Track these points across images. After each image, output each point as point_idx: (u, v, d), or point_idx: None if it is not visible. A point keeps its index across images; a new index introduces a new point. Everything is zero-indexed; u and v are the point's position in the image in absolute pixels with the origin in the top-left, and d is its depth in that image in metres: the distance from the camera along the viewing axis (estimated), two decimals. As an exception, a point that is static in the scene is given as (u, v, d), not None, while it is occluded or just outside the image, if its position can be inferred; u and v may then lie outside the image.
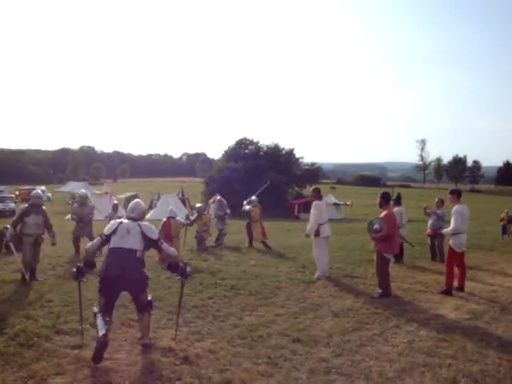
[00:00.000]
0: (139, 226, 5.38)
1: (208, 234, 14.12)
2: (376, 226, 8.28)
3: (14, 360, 4.93)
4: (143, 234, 5.33)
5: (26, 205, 9.30)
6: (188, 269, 5.70)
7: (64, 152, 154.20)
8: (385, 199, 8.48)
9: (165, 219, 12.00)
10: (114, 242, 5.30)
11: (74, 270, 5.41)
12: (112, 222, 5.55)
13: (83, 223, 12.71)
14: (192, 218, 13.74)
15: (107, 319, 5.00)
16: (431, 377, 4.69)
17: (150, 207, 40.21)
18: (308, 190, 56.34)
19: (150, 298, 5.56)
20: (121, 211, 22.52)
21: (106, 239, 5.36)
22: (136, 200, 5.97)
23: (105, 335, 4.78)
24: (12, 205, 30.70)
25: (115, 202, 19.77)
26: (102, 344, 4.75)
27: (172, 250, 5.63)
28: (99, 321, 4.97)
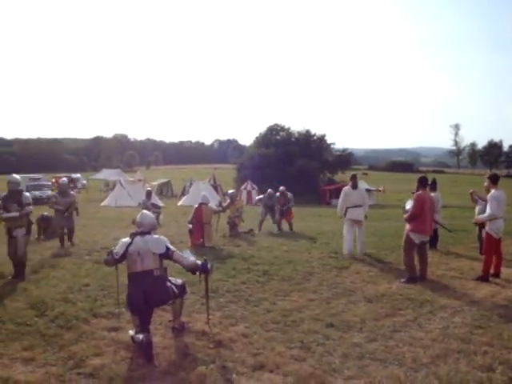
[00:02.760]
0: (146, 242, 5.18)
1: (240, 219, 14.20)
2: (408, 207, 8.53)
3: (55, 341, 5.12)
4: (152, 251, 5.17)
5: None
6: (209, 264, 5.59)
7: (98, 140, 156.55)
8: (421, 183, 8.47)
9: (196, 205, 12.11)
10: (129, 268, 5.18)
11: (105, 257, 5.44)
12: (120, 243, 5.28)
13: (68, 213, 11.77)
14: (224, 204, 13.81)
15: (146, 338, 4.78)
16: (466, 363, 4.63)
17: (183, 194, 40.66)
18: (340, 176, 56.25)
19: (181, 282, 5.60)
20: (154, 198, 22.96)
21: (119, 260, 5.24)
22: (142, 212, 5.67)
23: (146, 335, 4.78)
24: (49, 192, 31.44)
25: (149, 188, 20.06)
26: (147, 344, 4.72)
27: (186, 259, 5.43)
28: (137, 338, 4.89)
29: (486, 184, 10.18)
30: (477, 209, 10.38)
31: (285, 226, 15.38)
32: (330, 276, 8.40)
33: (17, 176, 8.71)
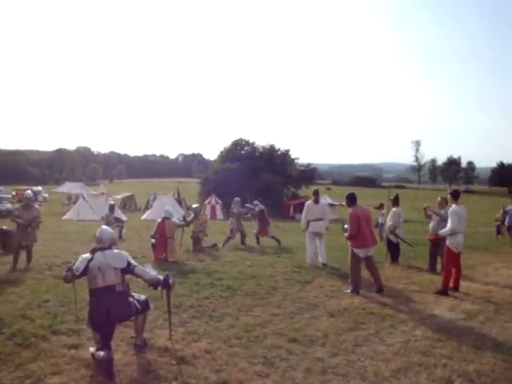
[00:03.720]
0: (106, 257, 5.09)
1: (204, 234, 14.14)
2: (346, 226, 8.92)
3: (11, 360, 4.94)
4: (113, 266, 5.08)
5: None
6: (170, 280, 5.52)
7: (60, 152, 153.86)
8: (351, 200, 8.92)
9: (160, 220, 12.01)
10: (90, 283, 5.07)
11: (65, 273, 5.31)
12: (80, 259, 5.17)
13: (31, 228, 10.79)
14: (188, 218, 13.74)
15: (107, 355, 4.68)
16: (426, 376, 4.72)
17: (147, 208, 40.25)
18: (303, 191, 56.79)
19: (144, 297, 5.52)
20: (117, 212, 22.66)
21: (79, 276, 5.13)
22: (101, 227, 5.54)
23: (107, 352, 4.68)
24: (9, 205, 30.64)
25: (112, 202, 19.79)
26: (108, 361, 4.62)
27: (148, 273, 5.35)
28: (97, 355, 4.76)
29: (439, 199, 10.58)
30: (431, 224, 10.63)
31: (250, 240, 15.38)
32: (294, 290, 8.43)
33: None
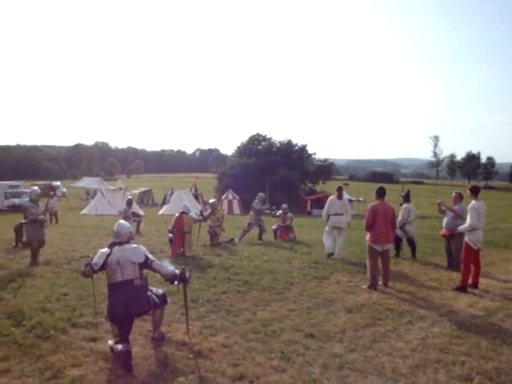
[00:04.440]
0: (125, 252, 5.17)
1: (221, 229, 14.16)
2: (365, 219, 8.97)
3: (32, 352, 5.02)
4: (132, 261, 5.14)
5: None
6: (187, 273, 5.58)
7: (78, 148, 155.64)
8: (378, 194, 8.88)
9: (177, 214, 12.06)
10: (109, 278, 5.13)
11: (83, 268, 5.38)
12: (98, 253, 5.22)
13: (41, 224, 10.88)
14: (206, 213, 13.77)
15: (126, 348, 4.74)
16: (445, 373, 4.68)
17: (164, 202, 40.53)
18: (321, 186, 56.58)
19: (162, 291, 5.56)
20: (135, 206, 22.82)
21: (98, 271, 5.20)
22: (119, 222, 5.58)
23: (125, 345, 4.74)
24: (26, 199, 31.01)
25: (129, 197, 19.96)
26: (126, 354, 4.68)
27: (165, 268, 5.42)
28: (116, 348, 4.83)
29: (453, 194, 10.43)
30: (445, 220, 10.46)
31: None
32: (311, 286, 8.42)
33: None
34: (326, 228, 11.94)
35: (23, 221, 12.53)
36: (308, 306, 7.10)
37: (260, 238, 15.22)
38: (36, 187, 12.37)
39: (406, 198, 12.11)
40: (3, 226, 18.39)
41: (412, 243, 11.91)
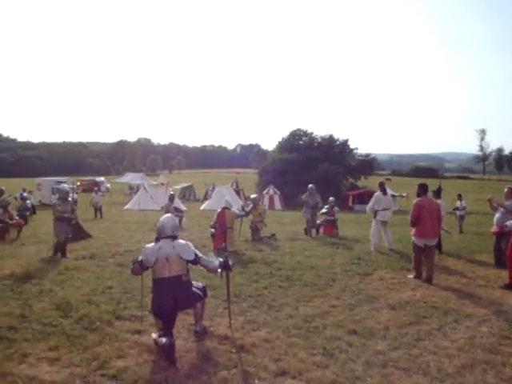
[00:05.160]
0: (174, 248, 5.19)
1: (263, 224, 14.18)
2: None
3: (79, 342, 5.17)
4: (181, 257, 5.19)
5: None
6: (230, 262, 5.63)
7: (122, 144, 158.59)
8: (422, 189, 8.90)
9: (219, 210, 12.13)
10: (156, 273, 5.16)
11: (131, 265, 5.46)
12: (146, 250, 5.24)
13: (67, 222, 10.87)
14: (247, 208, 13.83)
15: (170, 342, 4.80)
16: (494, 375, 4.54)
17: (205, 198, 40.90)
18: (363, 181, 55.91)
19: (202, 284, 5.62)
20: (177, 202, 23.12)
21: (148, 268, 5.26)
22: (164, 216, 5.61)
23: (170, 339, 4.80)
24: (74, 195, 31.85)
25: (171, 192, 20.22)
26: (170, 347, 4.75)
27: (211, 263, 5.48)
28: (160, 341, 4.91)
29: (506, 190, 9.99)
30: (496, 216, 10.05)
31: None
32: (353, 282, 8.33)
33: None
34: (374, 224, 12.18)
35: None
36: (350, 302, 7.03)
37: (307, 233, 15.12)
38: (65, 184, 12.48)
39: (437, 193, 11.79)
40: (50, 221, 18.93)
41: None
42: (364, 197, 44.87)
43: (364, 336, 5.54)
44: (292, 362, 4.74)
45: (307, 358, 4.84)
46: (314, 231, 15.35)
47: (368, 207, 12.53)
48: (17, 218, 15.37)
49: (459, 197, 20.50)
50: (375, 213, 12.15)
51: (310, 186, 15.63)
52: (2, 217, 14.28)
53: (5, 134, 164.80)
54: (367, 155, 61.62)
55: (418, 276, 8.59)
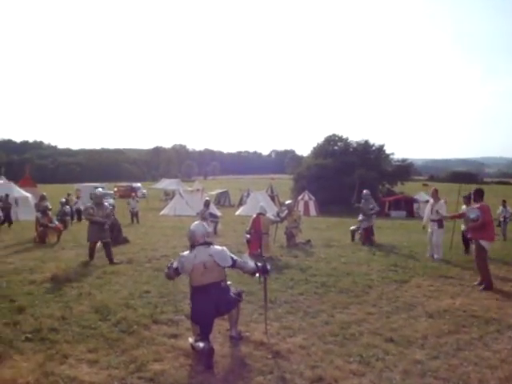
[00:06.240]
0: (211, 256, 5.20)
1: (298, 230, 14.14)
2: (473, 216, 8.62)
3: (117, 345, 5.26)
4: (218, 264, 5.21)
5: None
6: (268, 266, 5.65)
7: (157, 150, 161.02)
8: (480, 195, 8.78)
9: (255, 215, 12.16)
10: (195, 280, 5.19)
11: (166, 270, 5.49)
12: (182, 258, 5.27)
13: (99, 226, 10.79)
14: (282, 214, 13.82)
15: (208, 346, 4.83)
16: (539, 387, 4.39)
17: (240, 203, 41.05)
18: (399, 187, 55.11)
19: (237, 289, 5.63)
20: (212, 207, 23.27)
21: (180, 274, 5.34)
22: (194, 224, 5.59)
23: (207, 343, 4.84)
24: (111, 201, 32.48)
25: (207, 198, 20.37)
26: (208, 352, 4.77)
27: (247, 264, 5.51)
28: (197, 345, 4.96)
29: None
30: None
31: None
32: (390, 289, 8.21)
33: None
34: (440, 232, 12.00)
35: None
36: (387, 309, 6.93)
37: (364, 242, 14.39)
38: (100, 189, 12.68)
39: (468, 199, 11.57)
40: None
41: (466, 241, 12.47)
42: (400, 203, 44.35)
43: (401, 344, 5.45)
44: (328, 369, 4.70)
45: (343, 366, 4.79)
46: (358, 237, 14.95)
47: (425, 217, 12.74)
48: (56, 222, 15.79)
49: (503, 203, 20.12)
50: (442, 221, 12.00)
51: (364, 191, 15.13)
52: (42, 220, 14.75)
53: (46, 142, 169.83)
54: (403, 160, 60.78)
55: (489, 286, 8.24)
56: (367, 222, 14.58)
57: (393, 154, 59.47)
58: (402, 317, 6.56)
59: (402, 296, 7.75)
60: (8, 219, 20.31)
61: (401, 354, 5.17)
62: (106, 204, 11.75)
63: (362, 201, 14.97)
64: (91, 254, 10.73)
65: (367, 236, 14.45)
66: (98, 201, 11.11)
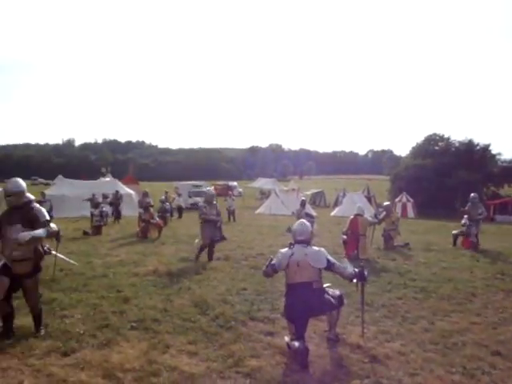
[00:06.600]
0: (306, 255, 5.23)
1: (396, 232, 13.75)
2: None
3: (215, 339, 5.45)
4: (312, 265, 5.20)
5: None
6: (366, 272, 5.55)
7: (254, 150, 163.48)
8: None
9: (352, 216, 11.99)
10: (289, 278, 5.25)
11: (265, 268, 5.53)
12: (280, 255, 5.35)
13: (214, 224, 11.08)
14: (380, 216, 13.49)
15: (303, 346, 4.86)
16: None
17: (336, 204, 40.64)
18: (505, 190, 51.74)
19: (339, 293, 5.57)
20: (308, 207, 23.24)
21: (278, 271, 5.38)
22: (301, 221, 5.71)
23: (302, 343, 4.87)
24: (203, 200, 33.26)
25: (303, 198, 20.36)
26: (303, 351, 4.81)
27: (346, 270, 5.44)
28: (292, 344, 5.00)
29: None
30: None
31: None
32: (496, 299, 7.75)
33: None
34: None
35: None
36: (493, 320, 6.55)
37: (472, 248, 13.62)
38: (211, 188, 12.97)
39: None
40: (188, 223, 20.10)
41: None
42: (507, 206, 41.64)
43: (509, 359, 5.12)
44: (429, 378, 4.54)
45: (445, 376, 4.60)
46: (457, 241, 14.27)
47: None
48: (157, 218, 16.58)
49: None
50: None
51: (472, 195, 14.46)
52: (144, 216, 15.57)
53: (147, 142, 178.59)
54: (511, 161, 56.94)
55: None
56: (475, 227, 13.81)
57: (499, 154, 55.94)
58: (510, 329, 6.17)
59: (510, 306, 7.29)
60: (117, 214, 21.68)
61: (509, 369, 4.87)
62: (215, 202, 11.78)
63: (468, 204, 14.22)
64: (198, 256, 10.65)
65: (472, 242, 13.72)
66: (209, 199, 11.26)
